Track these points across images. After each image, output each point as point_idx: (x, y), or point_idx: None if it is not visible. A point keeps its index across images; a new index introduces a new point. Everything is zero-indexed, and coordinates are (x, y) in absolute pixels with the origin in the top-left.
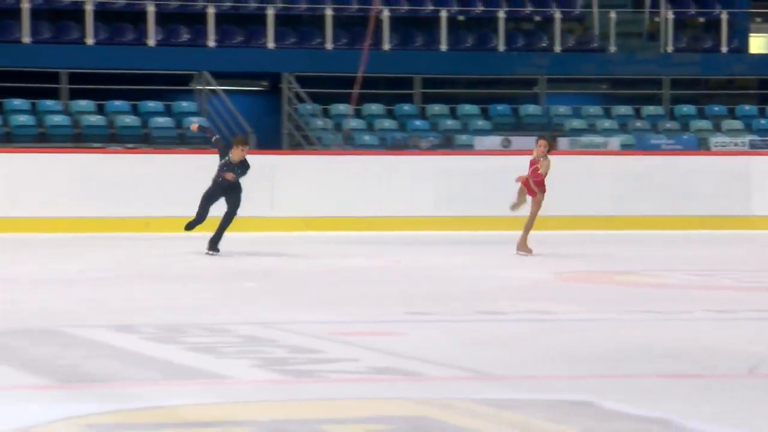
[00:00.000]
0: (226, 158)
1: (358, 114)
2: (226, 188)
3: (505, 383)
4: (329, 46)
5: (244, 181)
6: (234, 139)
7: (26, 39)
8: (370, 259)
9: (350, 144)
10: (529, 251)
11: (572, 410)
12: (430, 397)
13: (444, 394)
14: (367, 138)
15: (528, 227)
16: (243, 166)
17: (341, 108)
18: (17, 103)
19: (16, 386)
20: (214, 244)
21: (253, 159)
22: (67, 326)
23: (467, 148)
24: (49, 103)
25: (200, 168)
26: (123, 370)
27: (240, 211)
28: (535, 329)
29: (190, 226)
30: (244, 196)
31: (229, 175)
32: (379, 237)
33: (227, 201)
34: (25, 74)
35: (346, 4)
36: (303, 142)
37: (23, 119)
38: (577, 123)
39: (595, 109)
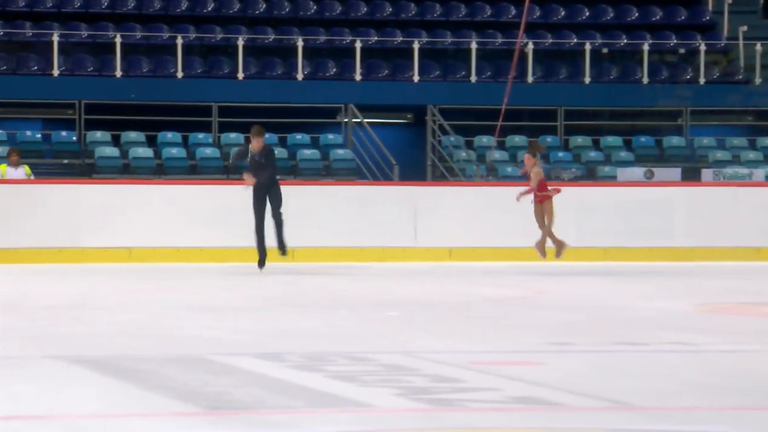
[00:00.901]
0: (248, 154)
1: (501, 146)
2: (266, 188)
3: (645, 414)
4: (473, 78)
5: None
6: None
7: (179, 74)
8: (512, 289)
9: (493, 175)
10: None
11: None
12: (571, 426)
13: (583, 424)
14: (509, 169)
15: (548, 229)
16: (267, 153)
17: (485, 140)
18: (170, 136)
19: (166, 413)
20: (283, 249)
21: (397, 190)
22: (215, 354)
23: (610, 180)
24: (200, 136)
25: (346, 199)
26: (269, 398)
27: (370, 238)
28: (675, 360)
29: (262, 261)
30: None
31: (248, 180)
32: (522, 267)
33: (270, 201)
34: (178, 108)
35: (490, 38)
36: (446, 174)
37: (175, 152)
38: (721, 154)
39: (739, 141)
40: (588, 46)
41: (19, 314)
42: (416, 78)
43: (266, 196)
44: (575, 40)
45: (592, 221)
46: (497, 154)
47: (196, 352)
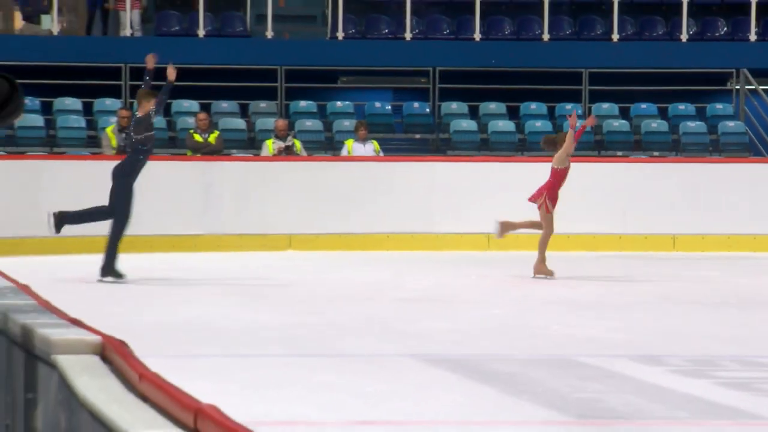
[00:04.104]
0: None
1: None
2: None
3: None
4: None
5: None
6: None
7: (546, 36)
8: None
9: None
10: (549, 273)
11: None
12: None
13: None
14: None
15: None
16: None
17: None
18: (533, 107)
19: (534, 421)
20: (107, 270)
21: None
22: (586, 356)
23: None
24: (568, 107)
25: (738, 180)
26: (647, 407)
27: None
28: None
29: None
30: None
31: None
32: None
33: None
34: (543, 75)
35: None
36: None
37: (539, 125)
38: None
39: None
40: None
41: (375, 307)
42: None
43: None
44: None
45: None
46: None
47: (566, 353)
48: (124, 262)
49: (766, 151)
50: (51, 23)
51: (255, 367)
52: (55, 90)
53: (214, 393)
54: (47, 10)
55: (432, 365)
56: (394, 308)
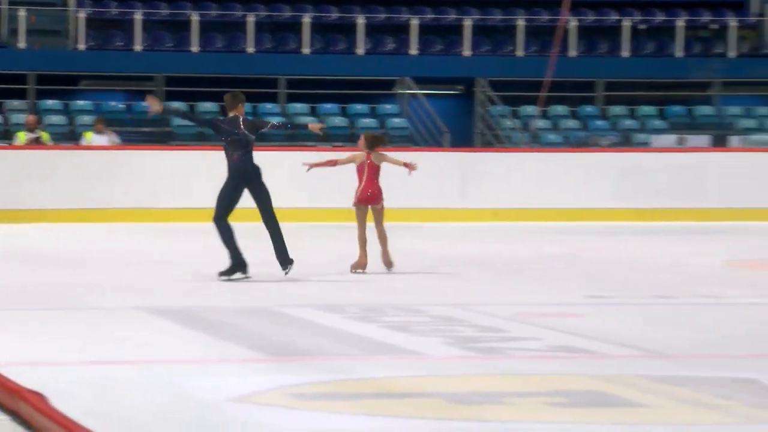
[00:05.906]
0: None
1: (544, 115)
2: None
3: (675, 361)
4: (520, 53)
5: None
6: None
7: (250, 49)
8: (554, 246)
9: (536, 142)
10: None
11: (736, 387)
12: (605, 373)
13: (618, 370)
14: (552, 137)
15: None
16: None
17: (529, 109)
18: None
19: (238, 359)
20: (285, 261)
21: (447, 156)
22: (283, 306)
23: (644, 146)
24: (269, 106)
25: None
26: (329, 346)
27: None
28: (705, 312)
29: (232, 270)
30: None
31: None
32: (561, 227)
33: (255, 196)
34: (249, 80)
35: (536, 15)
36: (493, 141)
37: None
38: (747, 122)
39: (765, 110)
40: (627, 23)
41: (113, 269)
42: (467, 52)
43: (245, 187)
44: (615, 17)
45: (628, 184)
46: (540, 123)
47: (267, 304)
48: None
49: (423, 142)
50: None
51: (11, 319)
52: None
53: None
54: None
55: (157, 315)
56: (129, 270)
